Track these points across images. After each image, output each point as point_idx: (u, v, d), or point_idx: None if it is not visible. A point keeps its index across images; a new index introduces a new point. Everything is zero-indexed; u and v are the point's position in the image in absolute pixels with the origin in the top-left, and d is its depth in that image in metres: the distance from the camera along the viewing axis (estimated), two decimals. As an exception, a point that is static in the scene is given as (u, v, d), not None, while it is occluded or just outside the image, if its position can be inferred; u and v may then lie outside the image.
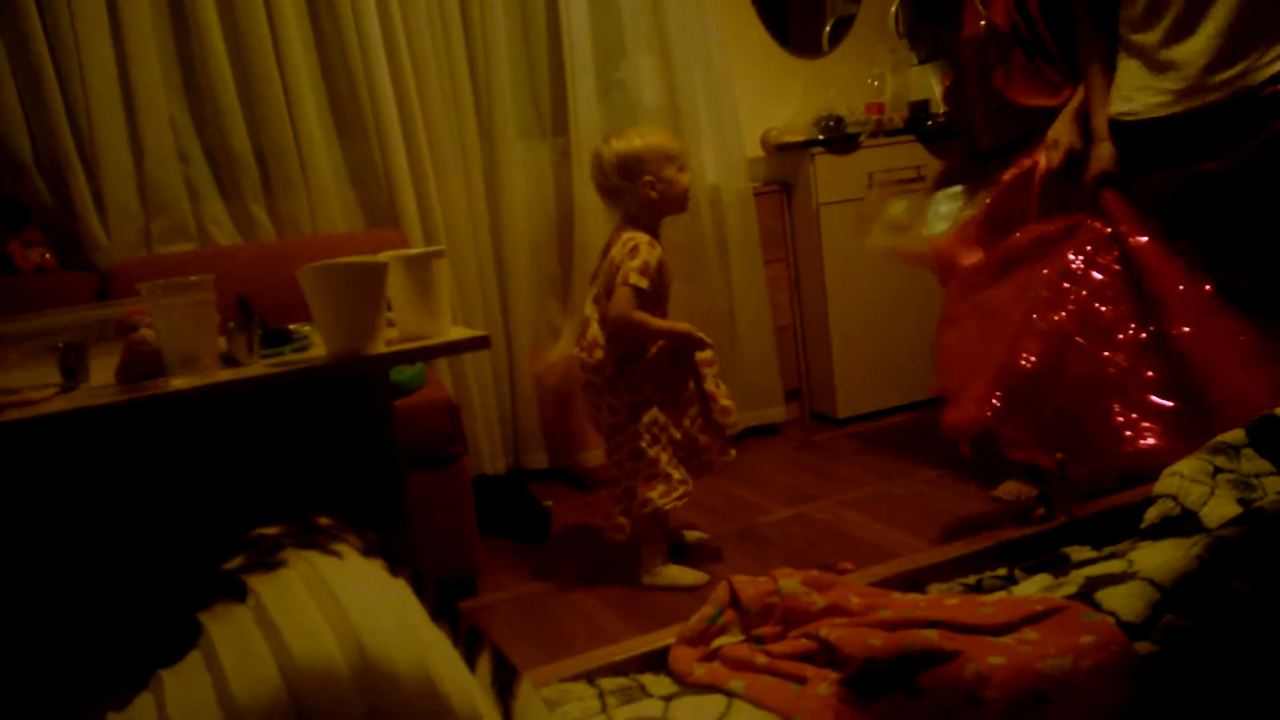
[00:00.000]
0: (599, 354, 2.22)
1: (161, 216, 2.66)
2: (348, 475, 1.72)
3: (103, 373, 1.49)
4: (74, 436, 1.47)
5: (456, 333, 1.68)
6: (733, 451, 2.35)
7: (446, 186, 2.96)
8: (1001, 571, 1.33)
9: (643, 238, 2.20)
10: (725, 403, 2.29)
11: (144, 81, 2.60)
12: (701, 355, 2.26)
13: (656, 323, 2.20)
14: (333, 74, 2.84)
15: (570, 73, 3.05)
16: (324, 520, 0.94)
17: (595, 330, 2.24)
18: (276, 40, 2.70)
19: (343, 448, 1.73)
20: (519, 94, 3.08)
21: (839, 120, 3.35)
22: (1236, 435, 1.39)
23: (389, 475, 1.77)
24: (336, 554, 0.89)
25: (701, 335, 2.23)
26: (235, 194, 2.76)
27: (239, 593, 0.83)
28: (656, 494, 2.19)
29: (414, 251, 1.69)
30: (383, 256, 1.57)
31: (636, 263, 2.16)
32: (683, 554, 2.39)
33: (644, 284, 2.15)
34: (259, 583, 0.84)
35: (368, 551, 0.93)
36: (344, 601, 0.82)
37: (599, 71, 3.13)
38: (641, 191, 2.20)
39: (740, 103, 3.32)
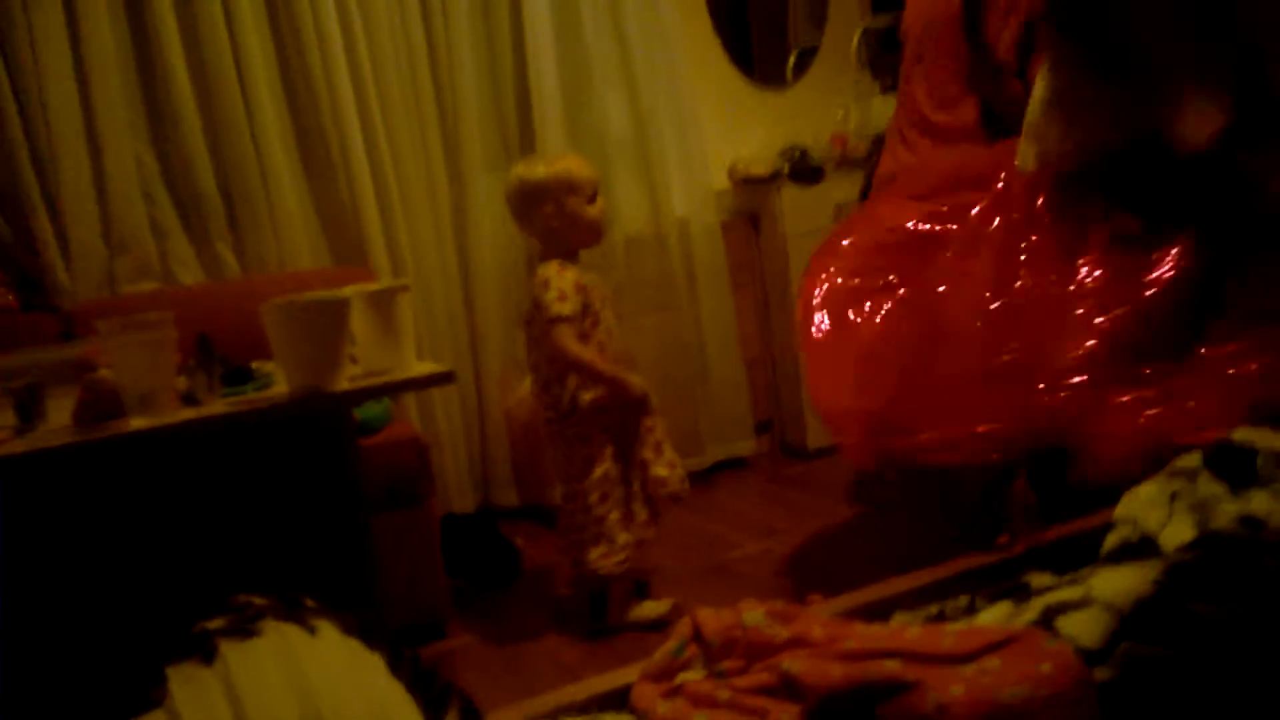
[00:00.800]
0: (551, 395, 2.21)
1: (125, 256, 2.64)
2: (312, 515, 1.71)
3: (61, 414, 1.47)
4: (32, 479, 1.45)
5: (421, 368, 1.67)
6: (653, 530, 2.28)
7: (414, 222, 2.96)
8: (964, 600, 1.33)
9: (550, 268, 2.16)
10: (661, 472, 2.23)
11: (108, 121, 2.59)
12: (638, 383, 2.20)
13: (604, 367, 2.16)
14: (300, 110, 2.84)
15: (537, 106, 3.07)
16: (309, 601, 0.96)
17: (544, 372, 2.22)
18: (242, 78, 2.70)
19: (307, 487, 1.71)
20: (486, 128, 3.10)
21: (804, 152, 3.39)
22: (1193, 460, 1.41)
23: (354, 516, 1.76)
24: (313, 629, 0.91)
25: (648, 397, 2.19)
26: (201, 233, 2.75)
27: (209, 655, 0.85)
28: (595, 555, 2.17)
29: (377, 286, 1.69)
30: (345, 291, 1.57)
31: (552, 294, 2.12)
32: (643, 588, 2.38)
33: (567, 309, 2.12)
34: (231, 649, 0.86)
35: (346, 630, 0.95)
36: (312, 679, 0.84)
37: (566, 105, 3.15)
38: (543, 220, 2.17)
39: (707, 135, 3.36)
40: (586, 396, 2.18)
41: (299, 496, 1.69)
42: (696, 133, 3.32)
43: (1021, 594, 1.31)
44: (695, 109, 3.32)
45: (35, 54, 2.50)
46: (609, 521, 2.18)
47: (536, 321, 2.18)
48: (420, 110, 2.97)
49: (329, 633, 0.92)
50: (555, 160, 2.21)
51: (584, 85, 3.21)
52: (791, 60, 3.73)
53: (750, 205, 3.47)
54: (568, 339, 2.12)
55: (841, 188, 3.36)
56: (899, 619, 1.35)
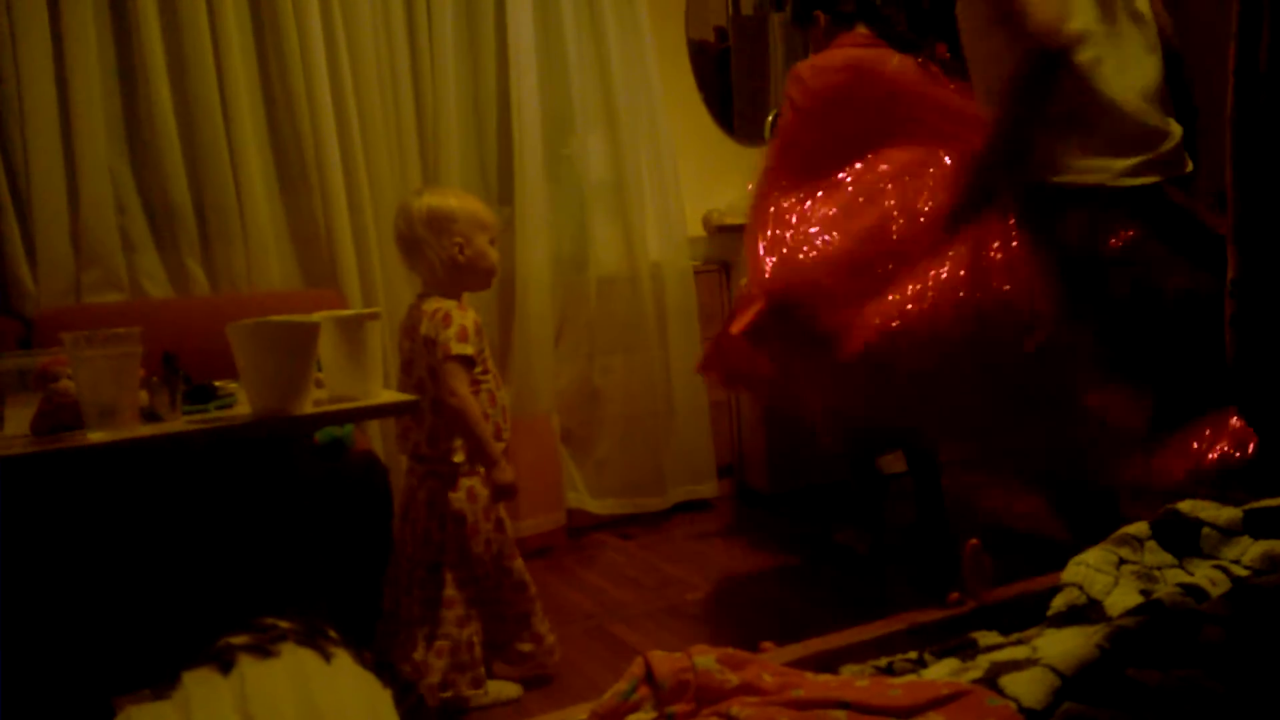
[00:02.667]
0: (438, 448, 2.04)
1: (94, 267, 2.61)
2: (270, 535, 1.70)
3: (19, 422, 1.46)
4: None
5: (386, 395, 1.68)
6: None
7: (389, 248, 2.95)
8: (912, 654, 1.35)
9: (449, 304, 2.04)
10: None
11: (86, 129, 2.58)
12: (506, 469, 2.03)
13: (487, 438, 2.01)
14: (278, 129, 2.84)
15: (518, 144, 3.10)
16: (331, 631, 0.99)
17: (429, 422, 2.03)
18: (224, 93, 2.71)
19: (266, 507, 1.70)
20: (467, 161, 3.12)
21: None
22: (1141, 528, 1.44)
23: (310, 537, 1.75)
24: (329, 657, 0.96)
25: (513, 486, 2.05)
26: (171, 247, 2.73)
27: (227, 666, 0.91)
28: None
29: (347, 313, 1.69)
30: (315, 316, 1.58)
31: (453, 330, 1.98)
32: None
33: (469, 349, 1.99)
34: (249, 664, 0.91)
35: (361, 663, 0.99)
36: (321, 704, 0.88)
37: (547, 144, 3.19)
38: (447, 250, 2.03)
39: (684, 183, 3.40)
40: (457, 459, 2.05)
41: (258, 515, 1.68)
42: (674, 180, 3.37)
43: (969, 651, 1.33)
44: (674, 157, 3.38)
45: (16, 59, 2.50)
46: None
47: (420, 363, 2.03)
48: (401, 138, 2.99)
49: (344, 662, 0.97)
50: (464, 196, 2.12)
51: (566, 125, 3.25)
52: (770, 119, 3.80)
53: (723, 254, 3.52)
54: (463, 382, 1.98)
55: None
56: (848, 670, 1.36)
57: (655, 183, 3.35)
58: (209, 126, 2.70)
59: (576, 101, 3.24)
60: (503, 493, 2.05)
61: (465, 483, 2.05)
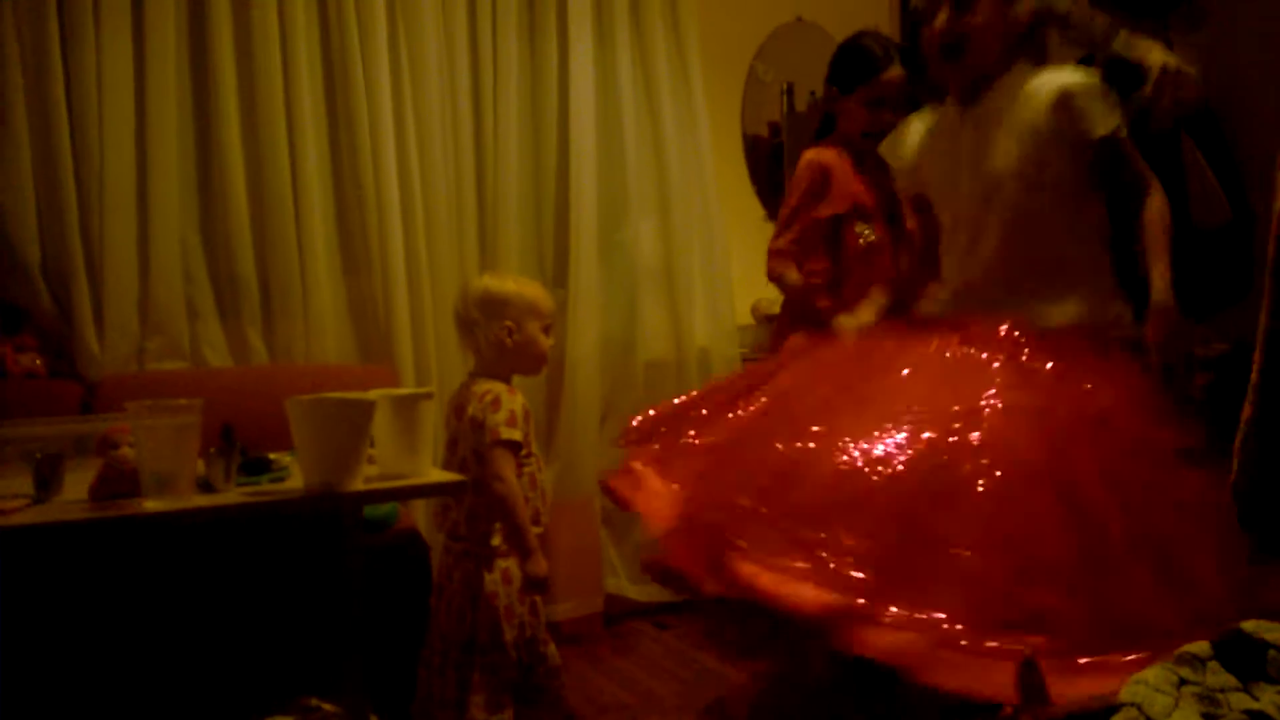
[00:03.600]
0: (476, 529, 2.03)
1: (158, 334, 2.69)
2: (311, 606, 1.70)
3: (77, 487, 1.49)
4: (45, 548, 1.45)
5: (436, 475, 1.69)
6: None
7: (444, 327, 3.01)
8: (962, 770, 1.30)
9: (499, 386, 2.04)
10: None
11: (161, 201, 2.68)
12: (540, 562, 2.00)
13: (527, 527, 1.99)
14: (345, 213, 2.93)
15: (575, 228, 3.17)
16: (373, 715, 1.01)
17: (469, 503, 2.03)
18: (295, 174, 2.81)
19: (309, 578, 1.71)
20: (525, 243, 3.19)
21: None
22: (1202, 647, 1.39)
23: (349, 611, 1.74)
24: None
25: (546, 581, 2.00)
26: (234, 317, 2.81)
27: None
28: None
29: (403, 392, 1.72)
30: (372, 394, 1.60)
31: (502, 415, 1.98)
32: None
33: (517, 435, 1.98)
34: None
35: None
36: None
37: (601, 227, 3.25)
38: (496, 334, 2.05)
39: (734, 271, 3.44)
40: (495, 541, 2.04)
41: (301, 586, 1.69)
42: (724, 268, 3.40)
43: (1022, 770, 1.28)
44: (725, 246, 3.42)
45: (101, 133, 2.61)
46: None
47: (466, 443, 2.04)
48: (461, 222, 3.06)
49: None
50: (524, 283, 2.15)
51: (620, 210, 3.31)
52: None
53: (771, 343, 3.52)
54: (510, 467, 1.98)
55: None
56: (894, 783, 1.32)
57: (705, 270, 3.39)
58: (279, 205, 2.79)
59: (632, 188, 3.30)
60: (535, 586, 2.02)
61: (501, 564, 2.03)
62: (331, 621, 1.70)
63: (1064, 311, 1.93)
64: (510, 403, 2.01)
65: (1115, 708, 1.33)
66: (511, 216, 3.11)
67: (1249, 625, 1.43)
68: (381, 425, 1.63)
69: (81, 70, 2.59)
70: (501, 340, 2.06)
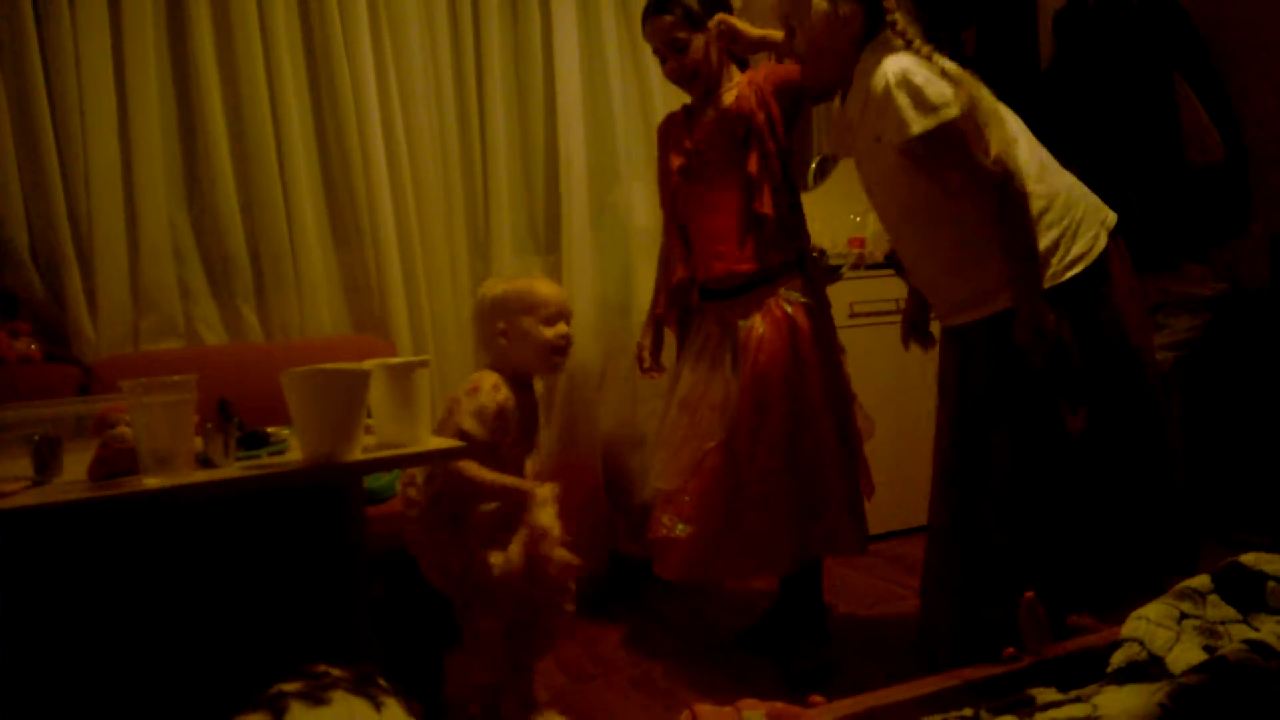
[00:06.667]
0: (413, 493, 2.01)
1: (152, 314, 2.68)
2: (315, 578, 1.71)
3: (76, 468, 1.49)
4: (45, 530, 1.46)
5: (434, 442, 1.69)
6: (569, 608, 2.10)
7: (438, 297, 3.01)
8: (967, 712, 1.31)
9: (488, 378, 2.01)
10: (561, 554, 2.02)
11: (147, 182, 2.67)
12: (540, 493, 2.00)
13: (487, 475, 1.95)
14: (333, 183, 2.92)
15: (565, 194, 3.15)
16: (382, 680, 1.01)
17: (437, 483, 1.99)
18: (280, 148, 2.79)
19: (312, 550, 1.71)
20: (516, 211, 3.17)
21: (822, 252, 3.45)
22: (1202, 581, 1.40)
23: (353, 581, 1.76)
24: (380, 706, 0.96)
25: (534, 488, 2.00)
26: (227, 294, 2.80)
27: (279, 713, 0.91)
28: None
29: (398, 360, 1.72)
30: (367, 364, 1.60)
31: (473, 405, 1.95)
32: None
33: (477, 430, 1.93)
34: (300, 711, 0.91)
35: (411, 713, 1.00)
36: None
37: (592, 192, 3.23)
38: (491, 338, 2.06)
39: (728, 230, 3.41)
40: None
41: (303, 559, 1.69)
42: (718, 225, 3.38)
43: (1025, 708, 1.29)
44: (718, 203, 3.39)
45: (83, 117, 2.59)
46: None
47: (446, 427, 1.99)
48: (450, 190, 3.04)
49: (394, 712, 0.97)
50: (519, 279, 2.10)
51: (610, 173, 3.29)
52: (813, 166, 3.82)
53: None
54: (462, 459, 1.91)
55: (857, 289, 3.42)
56: (900, 727, 1.33)
57: (698, 229, 3.37)
58: (265, 179, 2.78)
59: (621, 149, 3.27)
60: (540, 535, 1.97)
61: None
62: (337, 591, 1.72)
63: (955, 293, 2.05)
64: (488, 398, 1.97)
65: (1118, 644, 1.34)
66: (501, 182, 3.09)
67: (1248, 558, 1.44)
68: (378, 395, 1.63)
69: (59, 51, 2.56)
70: (498, 345, 2.05)
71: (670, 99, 3.30)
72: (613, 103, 3.24)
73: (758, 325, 2.37)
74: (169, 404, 1.41)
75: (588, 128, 3.20)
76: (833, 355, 2.44)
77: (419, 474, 2.01)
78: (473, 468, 1.93)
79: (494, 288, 2.09)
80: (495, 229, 3.08)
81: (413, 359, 1.71)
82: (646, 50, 3.26)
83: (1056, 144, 2.10)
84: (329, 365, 1.55)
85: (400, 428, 1.65)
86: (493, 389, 1.99)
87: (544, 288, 2.08)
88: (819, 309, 2.45)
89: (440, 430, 2.00)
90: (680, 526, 2.36)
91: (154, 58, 2.68)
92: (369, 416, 1.63)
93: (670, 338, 2.60)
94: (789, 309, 2.38)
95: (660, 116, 3.28)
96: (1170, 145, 3.23)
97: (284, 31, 2.78)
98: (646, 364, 2.57)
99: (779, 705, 1.25)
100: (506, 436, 2.01)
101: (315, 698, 0.94)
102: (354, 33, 2.85)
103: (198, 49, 2.71)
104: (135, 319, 2.68)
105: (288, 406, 1.51)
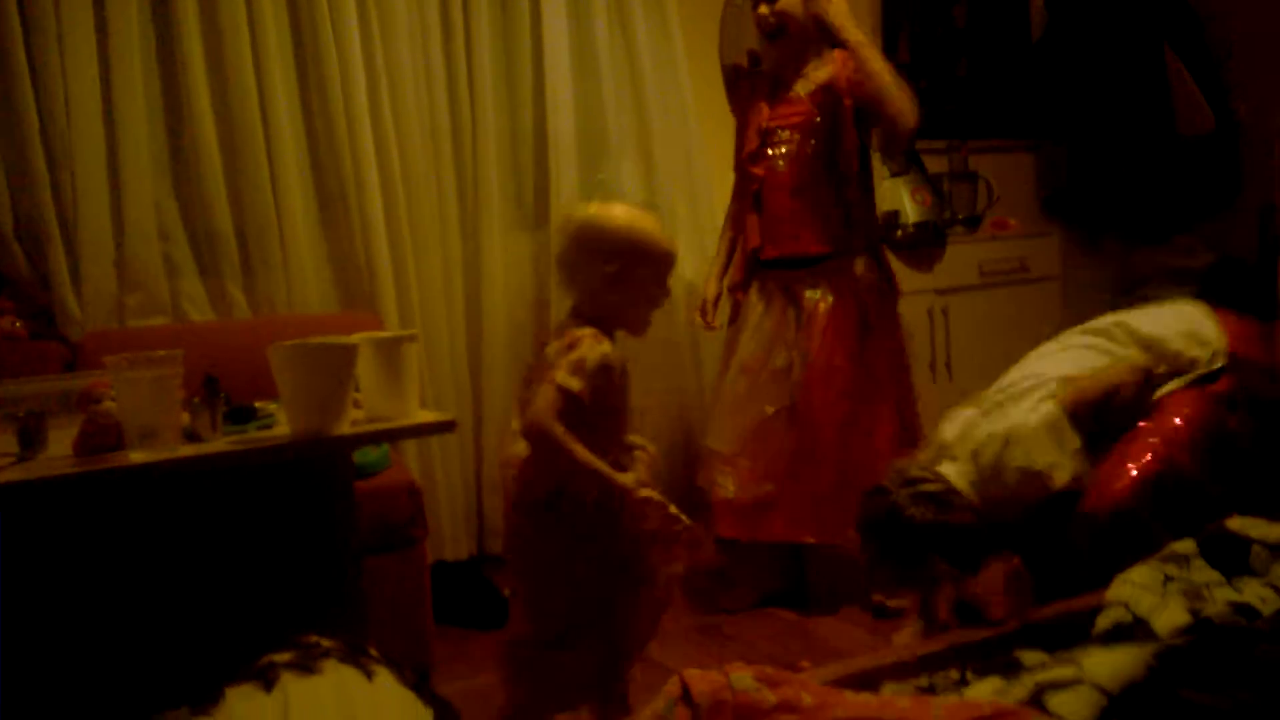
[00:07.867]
0: (510, 473, 1.74)
1: (137, 292, 2.66)
2: (305, 553, 1.71)
3: (62, 444, 1.48)
4: (31, 505, 1.45)
5: (423, 416, 1.69)
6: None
7: (425, 271, 2.99)
8: (954, 674, 1.33)
9: (586, 331, 1.64)
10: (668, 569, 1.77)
11: (131, 161, 2.63)
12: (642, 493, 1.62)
13: (580, 450, 1.57)
14: (319, 158, 2.89)
15: (554, 168, 3.13)
16: (372, 649, 1.03)
17: (521, 446, 1.68)
18: (266, 123, 2.76)
19: (302, 525, 1.72)
20: (504, 186, 3.15)
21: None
22: (1187, 545, 1.41)
23: (345, 556, 1.76)
24: (371, 675, 0.98)
25: (636, 490, 1.61)
26: (213, 271, 2.78)
27: (270, 683, 0.92)
28: None
29: (385, 334, 1.71)
30: (354, 338, 1.59)
31: (572, 357, 1.60)
32: None
33: (574, 384, 1.57)
34: (292, 681, 0.93)
35: (402, 681, 1.00)
36: (360, 718, 0.91)
37: (582, 169, 3.21)
38: (595, 280, 1.66)
39: (719, 209, 3.39)
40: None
41: (294, 533, 1.69)
42: (708, 205, 3.36)
43: (1012, 670, 1.31)
44: (709, 180, 3.38)
45: (66, 93, 2.56)
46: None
47: (538, 381, 1.64)
48: (439, 165, 3.02)
49: (386, 680, 0.98)
50: (639, 217, 1.71)
51: (600, 149, 3.27)
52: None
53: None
54: (549, 406, 1.57)
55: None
56: (889, 689, 1.34)
57: (688, 205, 3.36)
58: (251, 155, 2.75)
59: (611, 125, 3.25)
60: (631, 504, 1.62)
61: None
62: (327, 564, 1.72)
63: None
64: (588, 350, 1.61)
65: (1103, 607, 1.36)
66: (489, 158, 3.07)
67: (1234, 523, 1.46)
68: (366, 369, 1.63)
69: (42, 29, 2.51)
70: (602, 290, 1.66)
71: (662, 79, 3.30)
72: (601, 79, 3.21)
73: (826, 297, 2.51)
74: (154, 379, 1.40)
75: (576, 100, 3.17)
76: (897, 335, 2.54)
77: (518, 454, 1.70)
78: (566, 436, 1.57)
79: (611, 216, 1.69)
80: (484, 204, 3.06)
81: (400, 333, 1.71)
82: (636, 26, 3.26)
83: (1047, 116, 2.10)
84: (316, 339, 1.54)
85: (388, 402, 1.65)
86: (594, 339, 1.63)
87: (661, 233, 1.72)
88: (889, 289, 2.61)
89: (524, 392, 1.69)
90: (738, 487, 2.50)
91: (138, 35, 2.64)
92: (357, 391, 1.63)
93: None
94: (859, 285, 2.53)
95: (651, 94, 3.28)
96: (1161, 116, 3.23)
97: (270, 8, 2.74)
98: (712, 319, 2.76)
99: (768, 669, 1.26)
100: (608, 398, 1.66)
101: (306, 667, 0.95)
102: (340, 9, 2.81)
103: (182, 26, 2.66)
104: (120, 297, 2.66)
105: (275, 381, 1.50)
